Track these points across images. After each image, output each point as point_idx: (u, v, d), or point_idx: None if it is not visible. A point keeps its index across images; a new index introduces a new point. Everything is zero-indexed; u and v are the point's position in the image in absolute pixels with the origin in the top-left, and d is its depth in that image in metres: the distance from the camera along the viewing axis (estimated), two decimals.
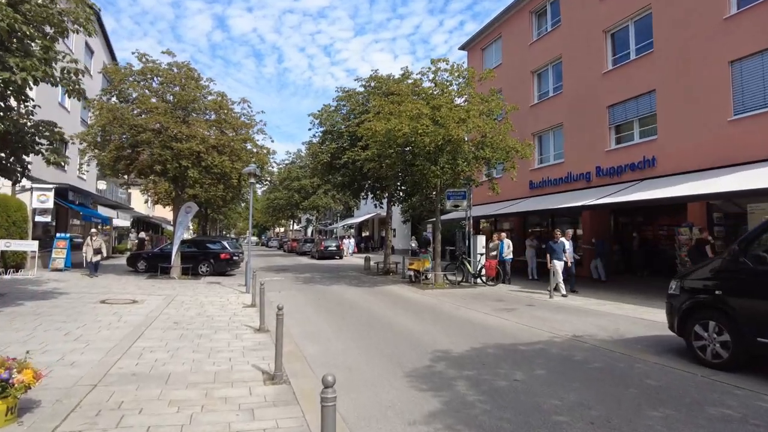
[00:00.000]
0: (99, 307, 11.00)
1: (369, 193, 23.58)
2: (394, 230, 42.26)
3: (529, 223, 24.78)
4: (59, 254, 19.44)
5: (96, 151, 17.31)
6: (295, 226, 69.75)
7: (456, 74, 16.08)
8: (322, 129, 21.86)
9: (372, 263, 24.85)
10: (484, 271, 17.18)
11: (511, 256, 17.75)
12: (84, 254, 17.91)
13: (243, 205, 53.03)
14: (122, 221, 35.52)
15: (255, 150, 18.86)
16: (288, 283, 18.43)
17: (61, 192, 20.19)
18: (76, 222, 25.07)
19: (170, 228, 57.08)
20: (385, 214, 44.68)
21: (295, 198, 40.69)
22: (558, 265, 13.97)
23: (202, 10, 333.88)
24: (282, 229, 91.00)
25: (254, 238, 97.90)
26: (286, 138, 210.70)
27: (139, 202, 49.79)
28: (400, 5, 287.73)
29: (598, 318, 10.31)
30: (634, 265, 19.61)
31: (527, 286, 16.36)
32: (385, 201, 23.82)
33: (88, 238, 18.24)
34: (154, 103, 16.64)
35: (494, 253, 17.83)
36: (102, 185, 29.26)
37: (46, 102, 21.08)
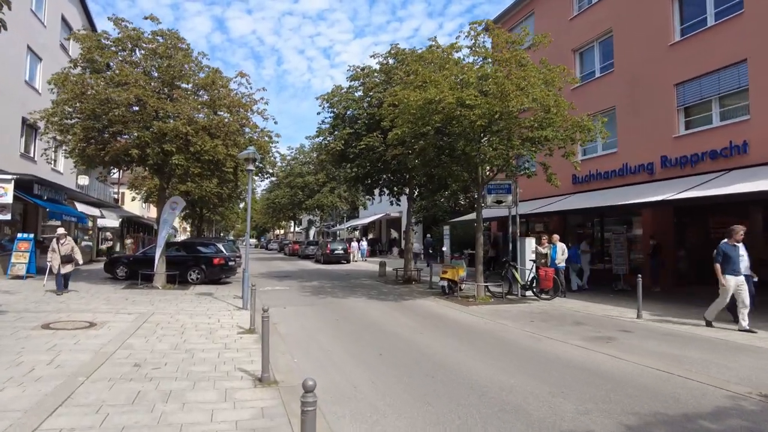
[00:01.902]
0: (35, 336, 7.85)
1: (385, 188, 20.44)
2: (405, 231, 39.19)
3: (569, 224, 21.66)
4: (20, 258, 16.28)
5: (60, 134, 14.15)
6: (296, 229, 66.59)
7: (500, 39, 12.97)
8: (332, 113, 18.72)
9: (388, 269, 21.76)
10: (533, 282, 14.09)
11: (564, 263, 14.66)
12: (49, 263, 13.71)
13: (242, 205, 49.91)
14: (110, 221, 32.28)
15: (255, 135, 15.72)
16: (294, 294, 15.29)
17: (25, 185, 17.04)
18: (55, 223, 21.88)
19: (170, 232, 54.04)
20: (397, 213, 41.87)
21: (298, 196, 37.49)
22: (735, 282, 9.04)
23: (201, 12, 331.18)
24: (281, 231, 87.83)
25: (253, 241, 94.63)
26: (285, 140, 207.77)
27: (135, 202, 46.70)
28: (399, 8, 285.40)
29: (757, 358, 7.19)
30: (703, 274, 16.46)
31: (589, 300, 13.25)
32: (403, 197, 20.73)
33: (54, 241, 13.61)
34: (129, 70, 13.49)
35: (543, 260, 14.75)
36: (83, 180, 26.07)
37: (9, 78, 18.00)
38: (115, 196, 41.04)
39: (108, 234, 22.97)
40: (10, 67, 17.92)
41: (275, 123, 18.50)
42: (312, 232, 62.16)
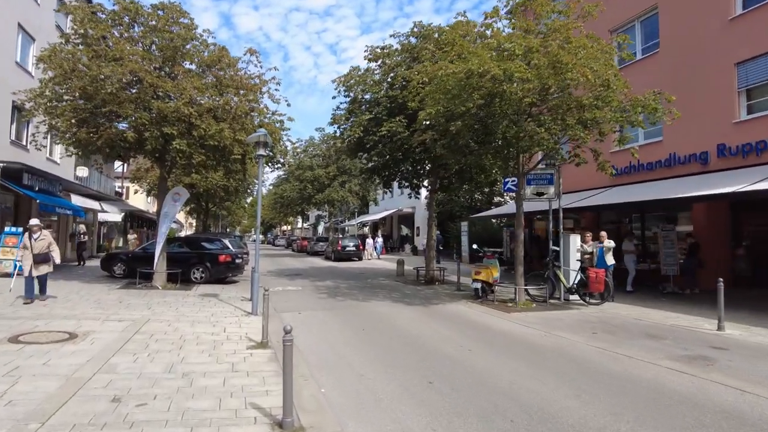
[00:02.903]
0: None
1: (404, 180, 18.78)
2: (418, 228, 37.57)
3: (603, 220, 19.97)
4: (7, 255, 14.82)
5: (49, 117, 12.64)
6: (303, 224, 65.13)
7: (544, 9, 11.28)
8: (348, 98, 17.07)
9: (406, 268, 20.17)
10: (580, 284, 12.46)
11: (613, 261, 13.02)
12: (18, 262, 11.57)
13: (249, 200, 48.39)
14: (112, 216, 30.84)
15: (265, 119, 14.12)
16: (308, 296, 13.74)
17: (13, 174, 15.57)
18: (53, 217, 20.45)
19: (174, 226, 52.46)
20: (410, 209, 40.14)
21: (307, 190, 35.91)
22: None
23: (208, 8, 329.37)
24: (288, 227, 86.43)
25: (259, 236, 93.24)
26: (292, 136, 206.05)
27: (140, 197, 45.14)
28: (406, 4, 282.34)
29: None
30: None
31: (641, 305, 11.61)
32: (423, 190, 19.12)
33: (25, 236, 10.95)
34: (124, 44, 11.94)
35: (588, 259, 13.14)
36: (82, 172, 24.63)
37: (1, 60, 16.54)
38: (119, 189, 39.66)
39: (81, 227, 21.27)
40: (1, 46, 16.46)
41: (288, 105, 16.13)
42: (320, 228, 60.70)
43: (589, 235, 13.83)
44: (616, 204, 14.67)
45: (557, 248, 12.83)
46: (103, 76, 11.49)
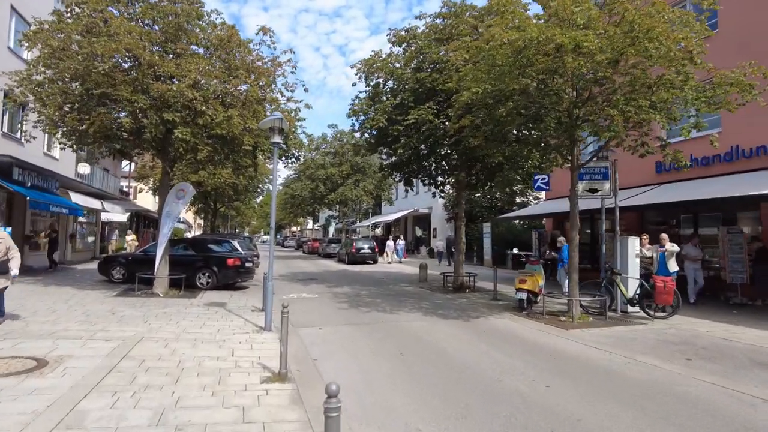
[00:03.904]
0: None
1: (427, 177, 17.08)
2: (435, 229, 35.92)
3: (646, 220, 18.20)
4: None
5: (38, 102, 11.18)
6: (314, 225, 63.66)
7: None
8: (368, 86, 15.44)
9: (429, 272, 18.55)
10: (644, 295, 10.79)
11: (676, 268, 11.32)
12: None
13: (259, 199, 46.86)
14: (116, 215, 29.48)
15: (278, 109, 12.57)
16: (326, 305, 12.16)
17: (1, 167, 14.15)
18: (49, 215, 19.05)
19: (181, 226, 50.84)
20: (426, 209, 38.42)
21: (319, 189, 34.36)
22: None
23: (218, 8, 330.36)
24: (298, 228, 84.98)
25: (267, 237, 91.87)
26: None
27: (147, 196, 43.78)
28: (415, 4, 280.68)
29: None
30: None
31: (713, 319, 9.90)
32: (446, 187, 17.47)
33: None
34: (120, 20, 10.42)
35: (646, 266, 11.49)
36: (84, 169, 23.27)
37: None
38: (126, 189, 38.37)
39: (128, 237, 19.83)
40: None
41: (305, 90, 14.31)
42: (331, 229, 59.18)
43: (646, 238, 12.15)
44: (684, 201, 12.85)
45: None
46: (95, 54, 10.00)
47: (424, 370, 6.49)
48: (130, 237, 25.53)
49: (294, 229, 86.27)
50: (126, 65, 10.89)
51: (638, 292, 10.76)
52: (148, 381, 5.45)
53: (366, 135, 16.48)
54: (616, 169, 11.55)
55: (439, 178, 17.01)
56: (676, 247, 11.26)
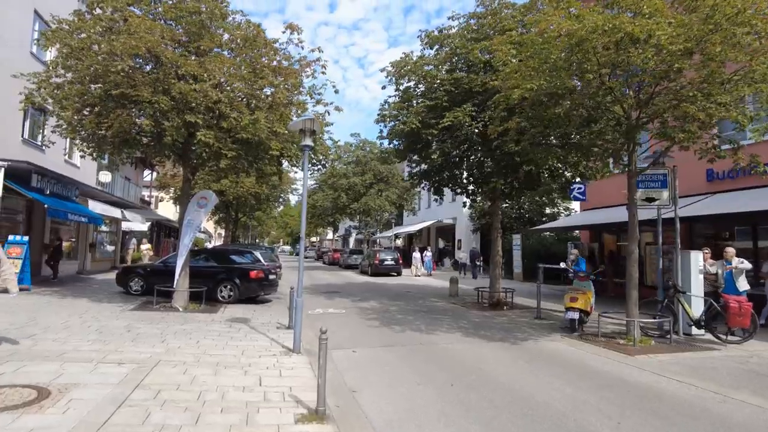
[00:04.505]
0: None
1: (457, 187, 16.08)
2: (460, 241, 34.81)
3: (695, 233, 16.94)
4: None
5: (57, 105, 10.63)
6: (334, 236, 63.01)
7: None
8: (398, 89, 14.62)
9: (460, 286, 17.55)
10: (713, 316, 9.66)
11: (747, 286, 10.16)
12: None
13: (281, 209, 46.38)
14: (137, 225, 29.12)
15: (305, 111, 11.82)
16: (356, 323, 11.28)
17: (21, 174, 13.68)
18: (65, 224, 18.60)
19: (202, 236, 50.53)
20: (450, 220, 37.32)
21: (342, 199, 33.63)
22: None
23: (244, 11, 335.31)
24: (317, 239, 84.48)
25: (287, 248, 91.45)
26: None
27: (169, 205, 43.62)
28: (434, 17, 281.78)
29: None
30: None
31: None
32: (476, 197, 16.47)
33: None
34: (141, 19, 9.80)
35: (711, 283, 10.37)
36: (105, 177, 22.93)
37: (9, 47, 14.79)
38: (148, 198, 38.22)
39: (143, 246, 19.11)
40: (11, 33, 14.73)
41: (336, 91, 13.39)
42: (351, 239, 58.43)
43: (708, 253, 11.03)
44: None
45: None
46: (114, 53, 9.39)
47: (481, 404, 5.55)
48: (145, 246, 24.82)
49: (313, 239, 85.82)
50: (147, 67, 10.27)
51: (706, 312, 9.63)
52: (163, 419, 4.62)
53: (395, 142, 15.67)
54: (675, 175, 10.49)
55: (470, 187, 16.04)
56: (747, 264, 10.11)
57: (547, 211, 30.18)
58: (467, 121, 12.09)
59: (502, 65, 9.34)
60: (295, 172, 23.77)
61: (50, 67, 10.75)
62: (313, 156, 13.62)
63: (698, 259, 10.15)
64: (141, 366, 6.43)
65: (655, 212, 10.69)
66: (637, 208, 9.61)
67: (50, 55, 11.13)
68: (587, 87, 8.29)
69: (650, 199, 10.40)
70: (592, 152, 9.85)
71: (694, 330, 9.83)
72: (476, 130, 12.84)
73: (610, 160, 10.55)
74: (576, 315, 10.04)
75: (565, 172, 14.56)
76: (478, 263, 28.33)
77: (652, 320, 9.80)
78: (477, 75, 12.53)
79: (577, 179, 14.32)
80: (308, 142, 8.18)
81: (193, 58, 10.03)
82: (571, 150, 10.15)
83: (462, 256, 31.97)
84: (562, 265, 11.89)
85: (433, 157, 13.30)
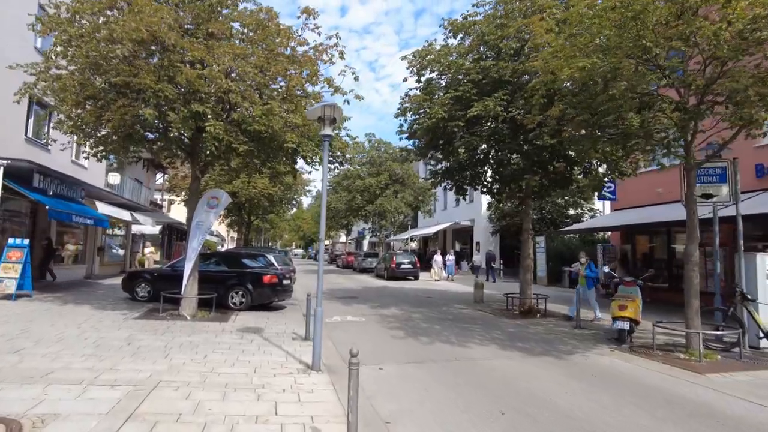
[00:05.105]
0: None
1: (480, 185, 14.99)
2: (478, 243, 33.68)
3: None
4: (8, 272, 12.10)
5: (55, 97, 9.84)
6: (347, 239, 62.10)
7: None
8: (419, 81, 13.64)
9: (485, 292, 16.49)
10: None
11: None
12: None
13: (293, 211, 45.59)
14: (147, 228, 28.45)
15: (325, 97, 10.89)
16: (378, 333, 10.30)
17: (22, 174, 12.95)
18: (73, 227, 17.87)
19: (213, 239, 49.91)
20: (468, 222, 36.19)
21: (356, 201, 32.69)
22: None
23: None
24: (330, 242, 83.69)
25: (299, 251, 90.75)
26: None
27: (181, 208, 43.01)
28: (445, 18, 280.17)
29: None
30: None
31: None
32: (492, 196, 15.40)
33: None
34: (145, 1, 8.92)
35: None
36: (114, 179, 22.28)
37: (11, 43, 14.10)
38: (161, 202, 37.62)
39: (148, 250, 18.05)
40: (12, 26, 14.03)
41: (356, 78, 10.88)
42: (365, 242, 57.50)
43: None
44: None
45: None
46: (114, 38, 8.55)
47: None
48: (149, 250, 23.80)
49: (326, 242, 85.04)
50: (153, 59, 9.39)
51: None
52: None
53: (416, 141, 14.68)
54: (736, 169, 9.39)
55: (496, 186, 14.96)
56: None
57: (570, 212, 28.98)
58: (498, 111, 11.08)
59: (543, 46, 8.32)
60: (309, 173, 22.94)
61: (49, 57, 9.97)
62: (330, 152, 12.71)
63: (765, 263, 9.02)
64: (137, 388, 5.52)
65: (704, 209, 9.63)
66: (697, 205, 8.50)
67: (39, 37, 10.31)
68: (644, 65, 7.24)
69: (707, 195, 9.33)
70: (643, 143, 8.75)
71: (763, 343, 8.71)
72: (506, 122, 11.84)
73: (658, 153, 9.44)
74: (626, 325, 8.97)
75: (600, 168, 13.54)
76: (494, 266, 27.23)
77: (717, 332, 8.70)
78: (507, 63, 11.52)
79: (608, 177, 13.32)
80: (328, 131, 7.25)
81: (200, 40, 9.11)
82: (619, 141, 9.07)
83: (476, 258, 30.86)
84: (573, 267, 11.05)
85: (460, 150, 12.28)
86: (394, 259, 27.48)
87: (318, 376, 6.47)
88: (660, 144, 8.62)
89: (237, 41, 10.78)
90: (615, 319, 9.18)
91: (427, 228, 40.62)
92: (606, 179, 13.71)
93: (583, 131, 9.36)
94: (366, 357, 7.79)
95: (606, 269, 10.89)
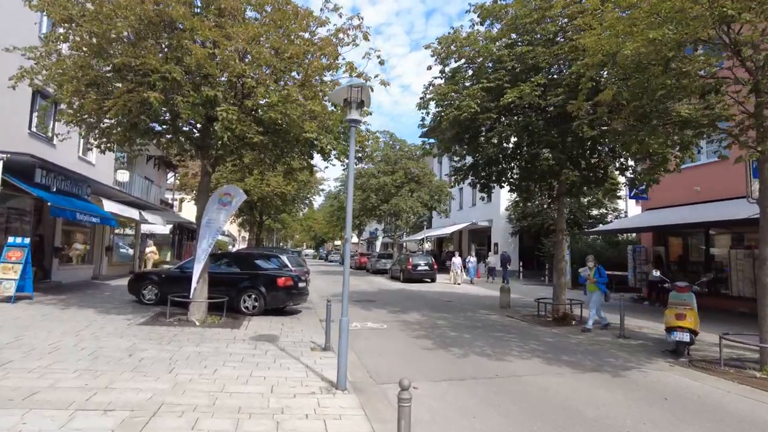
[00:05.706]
0: None
1: (506, 182, 13.99)
2: (496, 245, 32.60)
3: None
4: (8, 273, 11.35)
5: (55, 84, 9.06)
6: (360, 239, 61.31)
7: None
8: (443, 71, 12.72)
9: (512, 296, 15.52)
10: None
11: None
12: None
13: (306, 210, 44.77)
14: (158, 227, 27.75)
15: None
16: (405, 343, 9.37)
17: (24, 169, 12.22)
18: (79, 225, 17.08)
19: (225, 239, 49.21)
20: (485, 223, 35.02)
21: (371, 200, 31.76)
22: None
23: None
24: (340, 242, 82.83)
25: (310, 251, 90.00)
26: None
27: (192, 207, 42.36)
28: (455, 20, 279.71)
29: None
30: None
31: None
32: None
33: None
34: None
35: None
36: (123, 176, 21.60)
37: (13, 30, 13.39)
38: (172, 201, 37.01)
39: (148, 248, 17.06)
40: (14, 13, 13.31)
41: (381, 63, 9.27)
42: (378, 243, 56.66)
43: None
44: None
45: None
46: (117, 16, 7.73)
47: None
48: (150, 249, 22.72)
49: (337, 243, 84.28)
50: (164, 45, 8.57)
51: None
52: None
53: (439, 138, 13.74)
54: None
55: (524, 183, 13.95)
56: None
57: (593, 212, 27.85)
58: (534, 98, 10.10)
59: (597, 23, 7.36)
60: (323, 170, 22.04)
61: (50, 41, 9.20)
62: (363, 151, 11.87)
63: None
64: (134, 415, 4.66)
65: (731, 211, 8.62)
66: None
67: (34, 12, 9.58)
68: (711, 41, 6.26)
69: None
70: (709, 131, 7.74)
71: None
72: (541, 112, 10.89)
73: (722, 144, 8.40)
74: (686, 336, 7.97)
75: (638, 166, 12.51)
76: (509, 267, 26.18)
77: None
78: (545, 48, 10.55)
79: (638, 180, 12.31)
80: (355, 115, 6.36)
81: (210, 20, 8.25)
82: (677, 131, 8.04)
83: (490, 260, 29.82)
84: (582, 272, 10.29)
85: (493, 141, 11.33)
86: (410, 260, 26.55)
87: (344, 397, 5.57)
88: (726, 133, 7.59)
89: (252, 21, 9.95)
90: (671, 329, 8.18)
91: (443, 228, 39.60)
92: (641, 176, 12.69)
93: (632, 122, 8.38)
94: (394, 372, 6.91)
95: (656, 273, 9.83)
